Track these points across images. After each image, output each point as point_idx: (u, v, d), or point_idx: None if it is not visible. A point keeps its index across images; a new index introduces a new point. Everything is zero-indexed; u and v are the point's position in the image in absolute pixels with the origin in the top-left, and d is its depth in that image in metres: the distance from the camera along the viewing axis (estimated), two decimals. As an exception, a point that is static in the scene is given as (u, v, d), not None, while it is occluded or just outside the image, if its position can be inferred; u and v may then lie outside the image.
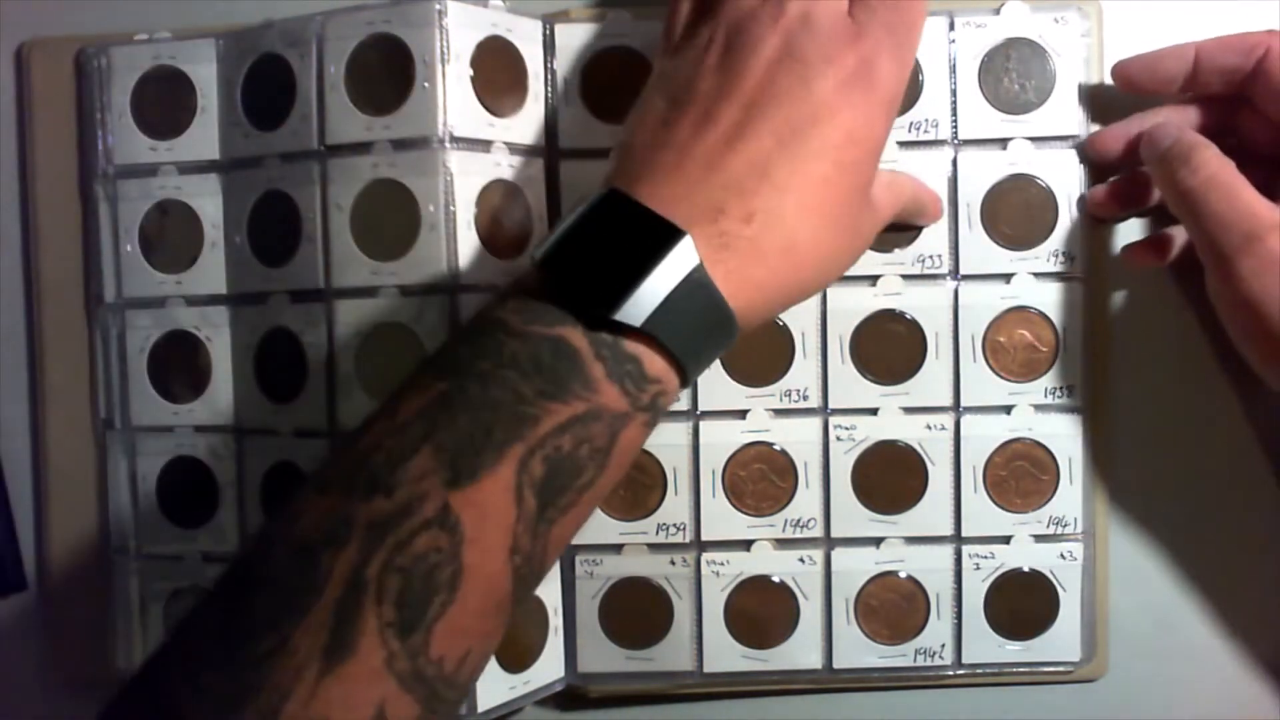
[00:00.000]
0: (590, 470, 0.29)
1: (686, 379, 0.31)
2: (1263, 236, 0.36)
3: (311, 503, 0.29)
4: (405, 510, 0.27)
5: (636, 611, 0.43)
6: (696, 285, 0.30)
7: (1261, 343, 0.37)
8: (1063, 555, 0.42)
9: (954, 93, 0.42)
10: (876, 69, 0.33)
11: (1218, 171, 0.37)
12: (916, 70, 0.42)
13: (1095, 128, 0.42)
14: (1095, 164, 0.42)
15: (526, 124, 0.42)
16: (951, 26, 0.42)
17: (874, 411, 0.42)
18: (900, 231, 0.42)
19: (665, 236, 0.30)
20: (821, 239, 0.32)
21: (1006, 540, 0.43)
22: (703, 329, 0.31)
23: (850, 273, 0.42)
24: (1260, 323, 0.36)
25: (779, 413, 0.42)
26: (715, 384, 0.42)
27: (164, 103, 0.43)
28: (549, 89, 0.42)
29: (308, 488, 0.29)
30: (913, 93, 0.42)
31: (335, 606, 0.26)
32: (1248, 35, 0.40)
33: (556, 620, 0.43)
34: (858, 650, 0.43)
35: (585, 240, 0.30)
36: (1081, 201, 0.42)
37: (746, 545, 0.43)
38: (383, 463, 0.28)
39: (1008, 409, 0.42)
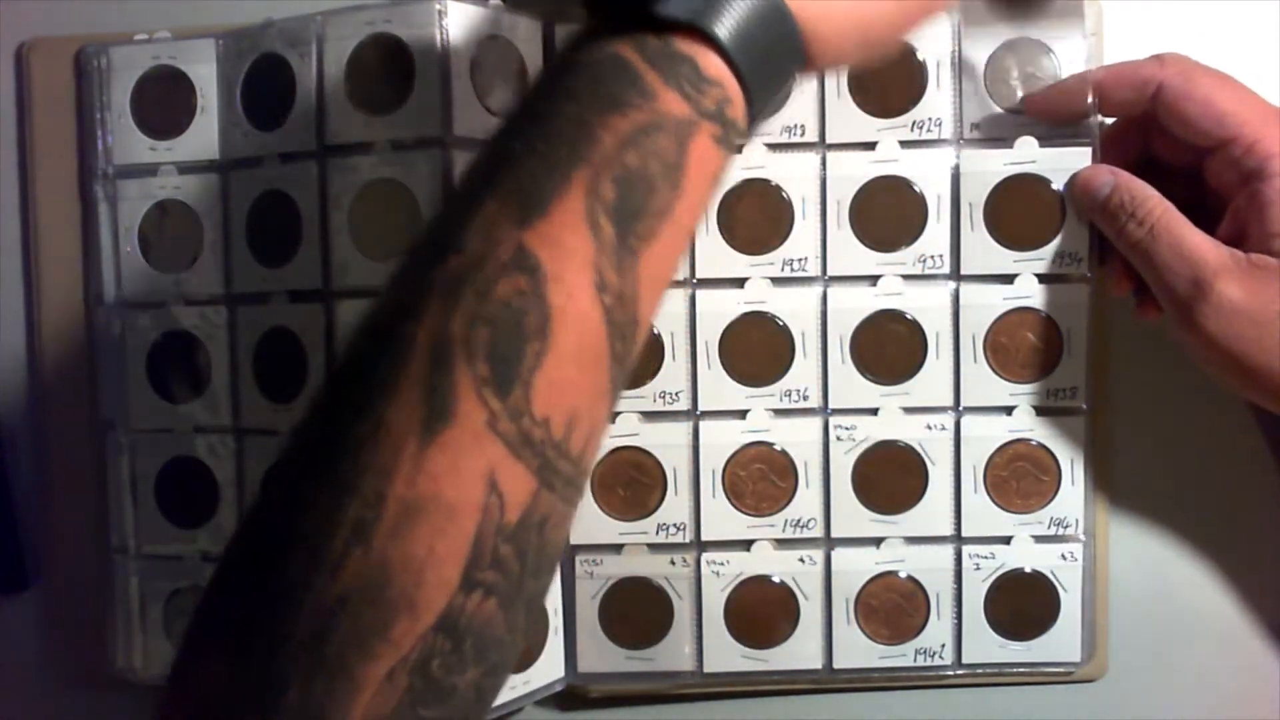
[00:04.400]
0: (664, 189, 0.27)
1: (750, 93, 0.28)
2: (1211, 281, 0.36)
3: (390, 287, 0.27)
4: (479, 260, 0.26)
5: (636, 611, 0.43)
6: None
7: (1235, 379, 0.37)
8: (1064, 556, 0.42)
9: (958, 91, 0.42)
10: None
11: (1161, 218, 0.37)
12: (920, 69, 0.42)
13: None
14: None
15: (526, 124, 0.41)
16: (956, 26, 0.42)
17: (874, 411, 0.42)
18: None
19: None
20: None
21: (1007, 540, 0.43)
22: (758, 30, 0.28)
23: (850, 272, 0.42)
24: (1229, 360, 0.37)
25: (779, 413, 0.42)
26: (715, 384, 0.42)
27: (164, 103, 0.43)
28: (549, 89, 0.42)
29: (390, 277, 0.28)
30: (915, 91, 0.42)
31: (425, 373, 0.25)
32: (1139, 67, 0.39)
33: (556, 620, 0.43)
34: (858, 650, 0.43)
35: None
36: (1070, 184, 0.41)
37: (747, 545, 0.43)
38: (448, 224, 0.27)
39: (1009, 410, 0.42)
